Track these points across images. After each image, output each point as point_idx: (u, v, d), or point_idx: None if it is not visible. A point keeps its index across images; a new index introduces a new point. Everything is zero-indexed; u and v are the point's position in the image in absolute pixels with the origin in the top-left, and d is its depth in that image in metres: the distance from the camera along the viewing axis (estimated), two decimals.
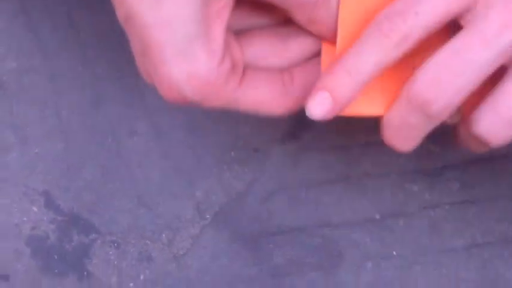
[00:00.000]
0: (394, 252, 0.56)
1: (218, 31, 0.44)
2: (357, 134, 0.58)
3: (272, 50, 0.48)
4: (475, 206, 0.57)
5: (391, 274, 0.55)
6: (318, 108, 0.45)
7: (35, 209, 0.58)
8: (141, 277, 0.56)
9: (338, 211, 0.57)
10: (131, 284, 0.56)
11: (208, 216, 0.57)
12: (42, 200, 0.58)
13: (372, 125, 0.54)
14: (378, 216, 0.57)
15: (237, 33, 0.48)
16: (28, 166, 0.59)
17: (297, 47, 0.48)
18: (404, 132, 0.45)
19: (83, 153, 0.59)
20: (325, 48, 0.47)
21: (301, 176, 0.59)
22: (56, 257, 0.57)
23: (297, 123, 0.58)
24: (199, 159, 0.59)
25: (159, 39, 0.43)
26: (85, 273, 0.56)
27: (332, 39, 0.47)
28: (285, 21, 0.49)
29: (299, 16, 0.46)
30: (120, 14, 0.44)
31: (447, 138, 0.57)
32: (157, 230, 0.57)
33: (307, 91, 0.46)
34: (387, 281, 0.55)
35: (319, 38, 0.47)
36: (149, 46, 0.43)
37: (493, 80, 0.46)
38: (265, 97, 0.47)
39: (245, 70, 0.47)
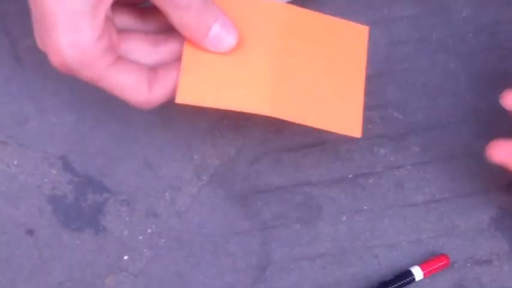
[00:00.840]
0: (365, 207, 0.62)
1: (101, 11, 0.50)
2: None
3: (143, 49, 0.54)
4: (432, 167, 0.63)
5: (362, 225, 0.62)
6: None
7: (54, 171, 0.63)
8: (149, 231, 0.61)
9: (316, 172, 0.63)
10: (140, 237, 0.61)
11: (204, 178, 0.63)
12: (60, 163, 0.63)
13: None
14: (350, 176, 0.63)
15: (120, 30, 0.54)
16: (47, 134, 0.63)
17: (164, 50, 0.55)
18: None
19: (94, 122, 0.64)
20: (187, 49, 0.54)
21: (284, 141, 0.64)
22: (73, 214, 0.61)
23: None
24: (196, 127, 0.64)
25: (53, 9, 0.49)
26: (100, 227, 0.61)
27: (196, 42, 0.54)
28: (160, 30, 0.55)
29: (173, 17, 0.52)
30: None
31: (409, 106, 0.64)
32: (161, 190, 0.62)
33: (167, 90, 0.54)
34: (359, 231, 0.61)
35: (186, 39, 0.54)
36: (45, 15, 0.50)
37: None
38: (129, 84, 0.53)
39: (119, 58, 0.53)
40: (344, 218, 0.62)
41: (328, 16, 0.57)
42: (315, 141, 0.64)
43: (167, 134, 0.64)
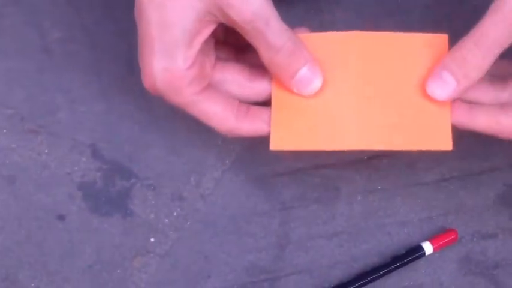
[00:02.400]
0: (379, 187, 0.66)
1: (197, 43, 0.55)
2: None
3: (237, 80, 0.59)
4: None
5: (377, 204, 0.66)
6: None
7: (83, 159, 0.67)
8: (174, 213, 0.65)
9: (333, 154, 0.64)
10: (166, 220, 0.65)
11: (227, 162, 0.67)
12: (89, 151, 0.67)
13: None
14: (365, 158, 0.67)
15: (218, 58, 0.59)
16: (76, 123, 0.68)
17: (258, 86, 0.59)
18: None
19: (121, 111, 0.68)
20: (276, 96, 0.58)
21: None
22: (103, 199, 0.65)
23: None
24: None
25: (154, 35, 0.54)
26: (127, 212, 0.65)
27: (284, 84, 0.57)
28: (257, 66, 0.59)
29: (264, 56, 0.56)
30: (135, 8, 0.55)
31: None
32: (186, 174, 0.66)
33: (255, 127, 0.58)
34: (374, 209, 0.65)
35: (273, 83, 0.58)
36: (146, 39, 0.55)
37: None
38: (217, 113, 0.57)
39: (209, 86, 0.57)
40: (359, 197, 0.66)
41: (403, 33, 0.58)
42: None
43: (191, 122, 0.65)
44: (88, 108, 0.69)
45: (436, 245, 0.63)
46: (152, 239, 0.64)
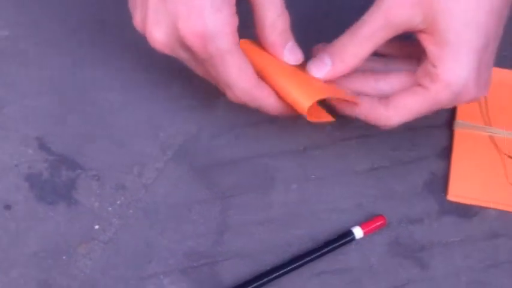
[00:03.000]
0: (313, 176, 0.70)
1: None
2: None
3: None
4: (373, 139, 0.72)
5: (311, 192, 0.69)
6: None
7: (30, 151, 0.69)
8: (118, 202, 0.67)
9: (270, 145, 0.70)
10: (110, 208, 0.67)
11: (169, 153, 0.70)
12: (36, 144, 0.70)
13: None
14: (301, 148, 0.71)
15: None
16: (24, 117, 0.70)
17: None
18: None
19: (67, 105, 0.71)
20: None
21: (242, 118, 0.71)
22: (49, 189, 0.67)
23: None
24: (161, 108, 0.71)
25: None
26: (73, 201, 0.67)
27: None
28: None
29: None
30: None
31: None
32: (129, 165, 0.69)
33: (273, 95, 0.63)
34: (308, 197, 0.68)
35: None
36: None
37: None
38: (243, 69, 0.60)
39: None
40: (294, 186, 0.69)
41: None
42: (271, 118, 0.68)
43: (134, 115, 0.71)
44: (35, 102, 0.71)
45: (366, 230, 0.66)
46: (96, 227, 0.66)
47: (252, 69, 0.61)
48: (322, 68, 0.63)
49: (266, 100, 0.62)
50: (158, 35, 0.59)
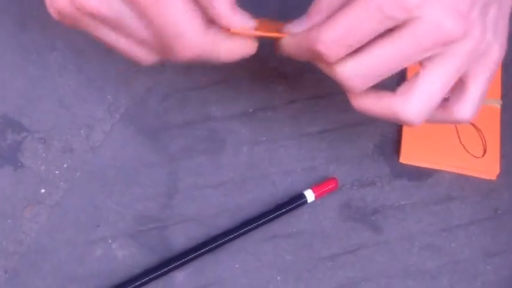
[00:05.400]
0: (264, 138, 0.70)
1: None
2: None
3: None
4: (324, 100, 0.72)
5: (261, 155, 0.70)
6: None
7: None
8: (65, 165, 0.68)
9: (220, 107, 0.71)
10: (56, 172, 0.67)
11: (117, 116, 0.70)
12: None
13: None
14: (251, 110, 0.71)
15: None
16: None
17: None
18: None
19: (12, 66, 0.71)
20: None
21: (191, 80, 0.72)
22: None
23: None
24: (109, 71, 0.71)
25: None
26: (18, 164, 0.67)
27: None
28: None
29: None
30: None
31: None
32: (76, 127, 0.69)
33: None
34: (259, 160, 0.70)
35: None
36: None
37: None
38: (181, 12, 0.52)
39: None
40: (245, 149, 0.70)
41: None
42: (219, 79, 0.71)
43: (81, 77, 0.71)
44: None
45: (318, 193, 0.67)
46: (43, 190, 0.67)
47: (199, 12, 0.53)
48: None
49: (220, 45, 0.56)
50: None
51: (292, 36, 0.57)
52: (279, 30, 0.57)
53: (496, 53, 0.56)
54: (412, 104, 0.56)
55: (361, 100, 0.58)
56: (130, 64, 0.68)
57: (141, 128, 0.71)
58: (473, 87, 0.57)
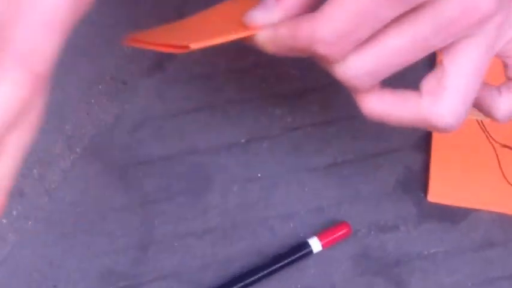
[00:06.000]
0: (259, 174, 0.65)
1: None
2: (219, 62, 0.66)
3: None
4: (333, 126, 0.67)
5: (256, 195, 0.64)
6: None
7: None
8: (14, 213, 0.62)
9: (204, 138, 0.66)
10: (4, 220, 0.62)
11: (78, 150, 0.64)
12: None
13: (232, 53, 0.61)
14: (243, 140, 0.66)
15: None
16: None
17: None
18: None
19: None
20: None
21: (167, 106, 0.67)
22: None
23: (162, 55, 0.65)
24: (67, 93, 0.66)
25: None
26: None
27: None
28: None
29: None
30: None
31: (305, 62, 0.64)
32: (28, 166, 0.63)
33: None
34: (253, 201, 0.64)
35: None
36: None
37: None
38: None
39: None
40: (235, 187, 0.65)
41: None
42: (201, 105, 0.66)
43: None
44: None
45: (326, 241, 0.62)
46: None
47: None
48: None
49: None
50: None
51: (270, 32, 0.48)
52: (244, 23, 0.49)
53: None
54: (445, 104, 0.49)
55: (374, 103, 0.50)
56: (92, 87, 0.66)
57: (108, 163, 0.65)
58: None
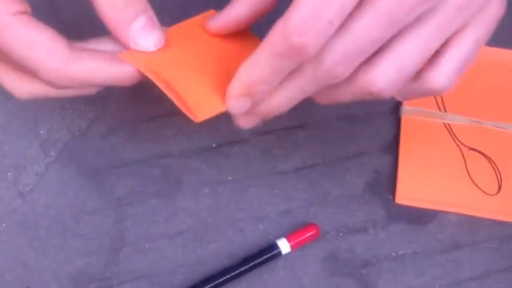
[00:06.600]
0: (230, 177, 0.65)
1: None
2: None
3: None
4: (303, 130, 0.66)
5: (226, 197, 0.64)
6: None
7: None
8: None
9: (176, 142, 0.66)
10: None
11: (52, 154, 0.65)
12: None
13: None
14: (214, 145, 0.66)
15: None
16: None
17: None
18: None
19: None
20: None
21: (141, 111, 0.66)
22: None
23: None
24: (42, 100, 0.64)
25: None
26: None
27: None
28: None
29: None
30: None
31: None
32: (2, 169, 0.64)
33: (97, 65, 0.51)
34: (223, 204, 0.64)
35: None
36: None
37: None
38: (40, 41, 0.50)
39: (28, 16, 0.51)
40: (206, 190, 0.65)
41: None
42: (174, 110, 0.64)
43: (9, 107, 0.66)
44: None
45: (294, 242, 0.62)
46: None
47: (58, 37, 0.51)
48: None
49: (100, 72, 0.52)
50: None
51: None
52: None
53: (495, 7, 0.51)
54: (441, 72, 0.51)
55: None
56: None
57: (82, 167, 0.65)
58: (457, 48, 0.51)
